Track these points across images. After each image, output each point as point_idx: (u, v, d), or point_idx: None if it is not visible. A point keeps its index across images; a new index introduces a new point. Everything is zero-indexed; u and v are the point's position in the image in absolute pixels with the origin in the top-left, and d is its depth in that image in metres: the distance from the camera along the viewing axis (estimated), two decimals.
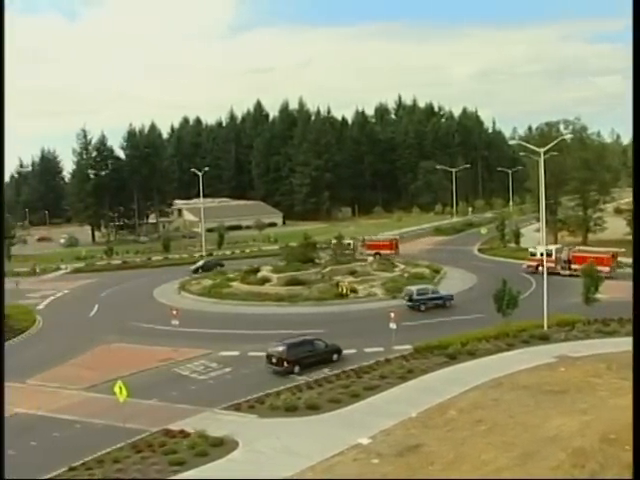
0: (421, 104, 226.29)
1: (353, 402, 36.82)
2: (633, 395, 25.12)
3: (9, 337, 59.52)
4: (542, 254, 73.98)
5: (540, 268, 74.55)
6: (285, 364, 43.93)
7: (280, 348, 44.66)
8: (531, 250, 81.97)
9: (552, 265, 73.07)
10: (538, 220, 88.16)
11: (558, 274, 73.71)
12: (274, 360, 44.55)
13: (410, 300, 62.06)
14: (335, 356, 46.41)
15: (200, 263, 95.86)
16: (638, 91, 29.84)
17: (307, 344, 45.90)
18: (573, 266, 74.86)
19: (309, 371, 43.81)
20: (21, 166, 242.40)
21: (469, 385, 38.59)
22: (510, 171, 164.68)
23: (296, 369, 43.94)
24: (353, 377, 41.25)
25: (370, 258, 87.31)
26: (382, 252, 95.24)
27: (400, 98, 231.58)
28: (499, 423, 32.48)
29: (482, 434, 31.32)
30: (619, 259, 73.85)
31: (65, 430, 36.18)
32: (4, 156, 28.33)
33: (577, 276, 70.61)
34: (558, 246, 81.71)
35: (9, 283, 75.53)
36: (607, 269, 69.49)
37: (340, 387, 39.18)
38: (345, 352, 47.16)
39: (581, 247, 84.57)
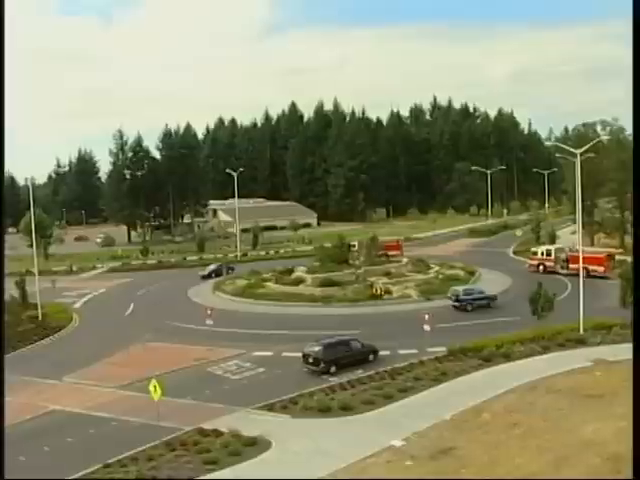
0: (456, 105, 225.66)
1: (386, 404, 36.72)
2: (633, 395, 24.82)
3: (46, 334, 60.35)
4: (542, 254, 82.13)
5: (541, 267, 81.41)
6: (321, 364, 44.01)
7: (316, 348, 44.78)
8: (533, 249, 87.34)
9: (552, 264, 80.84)
10: (574, 222, 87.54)
11: (557, 273, 78.41)
12: (310, 360, 44.67)
13: (457, 300, 62.40)
14: (371, 356, 46.36)
15: (212, 267, 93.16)
16: (638, 91, 29.97)
17: (343, 344, 45.91)
18: (571, 265, 77.52)
19: (343, 372, 43.80)
20: (59, 166, 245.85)
21: (503, 388, 38.30)
22: (546, 173, 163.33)
23: (332, 369, 43.94)
24: (387, 378, 41.16)
25: (404, 259, 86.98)
26: (389, 253, 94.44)
27: (435, 99, 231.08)
28: (534, 427, 32.21)
29: (516, 438, 31.09)
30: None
31: (100, 427, 36.50)
32: (4, 156, 28.73)
33: (574, 275, 72.62)
34: (558, 246, 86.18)
35: (46, 282, 76.48)
36: (602, 269, 74.81)
37: (374, 388, 39.07)
38: (382, 353, 47.11)
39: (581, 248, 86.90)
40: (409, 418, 34.30)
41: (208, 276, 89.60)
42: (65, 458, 32.51)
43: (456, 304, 62.35)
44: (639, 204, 32.50)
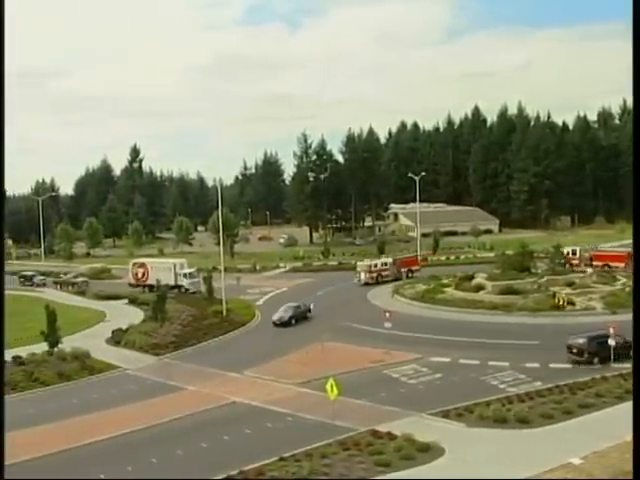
0: None
1: (565, 419, 35.49)
2: (633, 395, 23.76)
3: (230, 329, 62.86)
4: (568, 254, 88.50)
5: (567, 265, 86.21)
6: (585, 355, 46.28)
7: (581, 340, 47.13)
8: (561, 250, 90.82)
9: (577, 262, 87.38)
10: None
11: (583, 271, 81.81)
12: (575, 351, 46.96)
13: None
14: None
15: (286, 311, 66.89)
16: (638, 90, 28.83)
17: (607, 338, 46.61)
18: (594, 263, 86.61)
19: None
20: (245, 168, 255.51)
21: None
22: None
23: (595, 361, 45.87)
24: (566, 393, 39.79)
25: (589, 270, 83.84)
26: (412, 268, 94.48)
27: (625, 102, 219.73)
28: None
29: None
30: None
31: (277, 422, 37.67)
32: (4, 157, 29.99)
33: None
34: (583, 247, 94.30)
35: (231, 279, 79.52)
36: (622, 265, 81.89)
37: (552, 402, 37.88)
38: (559, 366, 46.03)
39: (601, 247, 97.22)
40: (589, 436, 32.97)
41: (285, 324, 65.40)
42: (242, 448, 33.86)
43: None
44: (639, 203, 30.29)
